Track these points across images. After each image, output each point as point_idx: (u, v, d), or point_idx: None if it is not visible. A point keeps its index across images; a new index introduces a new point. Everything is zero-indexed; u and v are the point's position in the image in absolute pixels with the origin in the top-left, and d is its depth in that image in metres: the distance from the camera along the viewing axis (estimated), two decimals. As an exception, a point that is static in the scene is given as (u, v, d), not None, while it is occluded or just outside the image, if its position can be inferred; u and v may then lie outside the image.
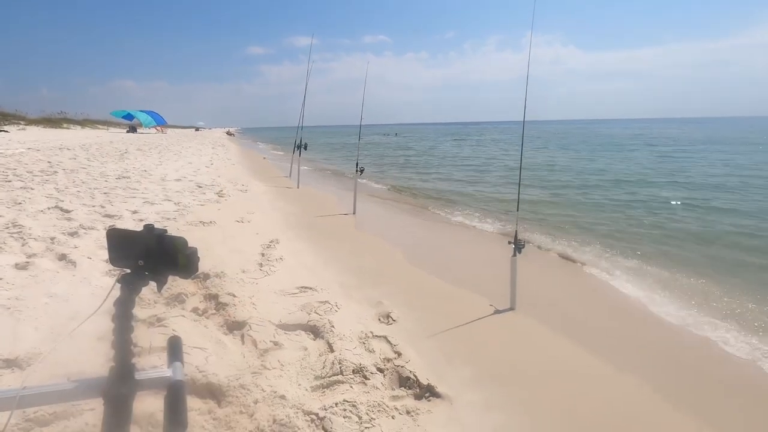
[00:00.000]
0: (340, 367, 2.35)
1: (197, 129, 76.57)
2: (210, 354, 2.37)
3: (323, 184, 12.17)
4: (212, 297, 3.17)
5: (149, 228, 0.76)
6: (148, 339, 2.33)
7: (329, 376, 2.29)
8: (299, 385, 2.22)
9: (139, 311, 2.79)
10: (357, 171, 7.92)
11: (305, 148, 11.32)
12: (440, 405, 2.21)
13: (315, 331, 2.82)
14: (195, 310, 2.99)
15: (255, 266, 4.01)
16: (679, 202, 8.89)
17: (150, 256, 0.76)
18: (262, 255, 4.38)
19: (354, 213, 7.65)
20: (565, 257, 5.36)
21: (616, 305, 3.98)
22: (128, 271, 0.77)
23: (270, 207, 7.63)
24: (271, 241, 4.88)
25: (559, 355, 2.93)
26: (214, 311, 2.99)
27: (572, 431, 2.16)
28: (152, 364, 2.12)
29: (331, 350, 2.56)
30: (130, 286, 0.77)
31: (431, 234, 6.53)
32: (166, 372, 0.84)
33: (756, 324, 3.53)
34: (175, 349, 0.92)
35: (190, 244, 0.77)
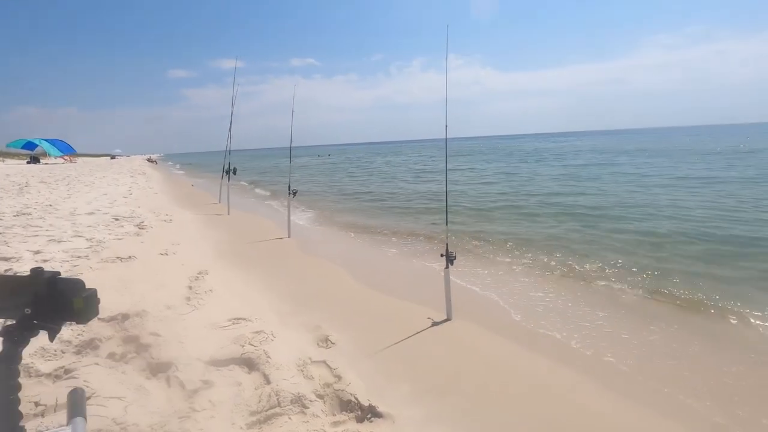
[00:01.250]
0: (278, 399, 2.25)
1: (113, 157, 70.97)
2: (129, 403, 2.16)
3: (255, 209, 11.78)
4: (132, 339, 2.91)
5: (37, 271, 0.70)
6: (53, 395, 2.07)
7: (266, 410, 2.19)
8: (233, 423, 2.09)
9: (42, 364, 2.48)
10: (290, 193, 7.79)
11: (234, 173, 10.93)
12: (382, 425, 2.20)
13: (249, 364, 2.68)
14: (111, 355, 2.72)
15: (182, 301, 3.76)
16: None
17: (39, 303, 0.69)
18: (190, 288, 4.12)
19: (289, 236, 7.48)
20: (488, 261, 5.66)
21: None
22: (12, 322, 0.69)
23: (198, 236, 7.22)
24: (200, 273, 4.61)
25: (497, 359, 3.06)
26: (134, 354, 2.74)
27: None
28: (59, 423, 1.88)
29: (268, 382, 2.45)
30: (14, 338, 0.69)
31: (368, 252, 6.57)
32: (65, 430, 0.76)
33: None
34: (76, 402, 0.83)
35: (88, 285, 0.71)
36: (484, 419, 2.33)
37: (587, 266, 5.35)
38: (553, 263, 5.55)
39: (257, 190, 17.05)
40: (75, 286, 0.70)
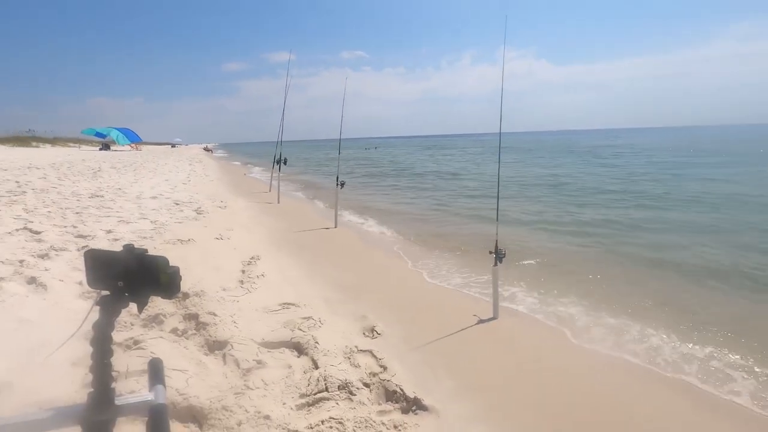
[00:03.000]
0: (326, 384, 2.32)
1: (174, 146, 75.33)
2: (191, 376, 2.30)
3: (304, 198, 12.11)
4: (192, 317, 3.09)
5: (129, 248, 0.75)
6: (125, 363, 2.25)
7: (314, 394, 2.26)
8: (284, 404, 2.18)
9: (115, 334, 2.69)
10: (338, 185, 7.92)
11: (285, 163, 11.27)
12: (427, 418, 2.20)
13: (299, 348, 2.77)
14: (174, 330, 2.91)
15: (236, 284, 3.94)
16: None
17: (130, 277, 0.74)
18: (243, 272, 4.31)
19: (336, 226, 7.63)
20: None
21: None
22: (107, 293, 0.76)
23: (250, 223, 7.54)
24: (252, 258, 4.81)
25: (546, 360, 2.97)
26: (194, 331, 2.92)
27: None
28: (130, 389, 2.04)
29: (316, 367, 2.53)
30: (109, 308, 0.75)
31: (413, 247, 6.56)
32: (148, 396, 0.81)
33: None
34: (156, 371, 0.89)
35: (171, 263, 0.76)
36: (528, 422, 2.27)
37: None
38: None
39: (306, 179, 17.51)
40: (161, 262, 0.74)
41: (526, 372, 2.81)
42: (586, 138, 72.86)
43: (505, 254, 3.74)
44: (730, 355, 3.05)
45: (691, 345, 3.21)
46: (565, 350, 3.18)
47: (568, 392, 2.58)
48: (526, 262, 5.32)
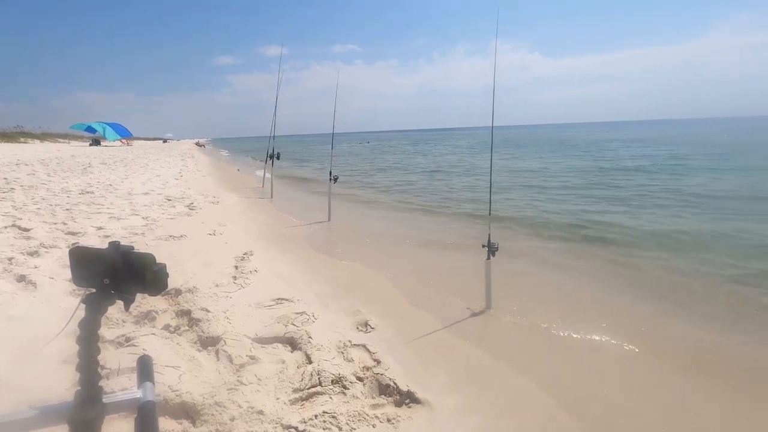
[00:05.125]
0: (319, 378, 2.32)
1: (165, 141, 74.60)
2: (183, 372, 2.30)
3: (297, 193, 12.07)
4: (184, 313, 3.08)
5: (115, 245, 0.74)
6: (116, 360, 2.24)
7: (308, 388, 2.26)
8: (277, 399, 2.18)
9: (106, 332, 2.68)
10: (331, 179, 7.90)
11: (278, 158, 11.21)
12: (420, 411, 2.22)
13: (292, 343, 2.78)
14: (166, 327, 2.90)
15: (228, 279, 3.93)
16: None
17: (116, 274, 0.73)
18: (236, 267, 4.30)
19: (329, 220, 7.62)
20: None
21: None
22: (93, 290, 0.75)
23: (243, 218, 7.50)
24: (245, 253, 4.79)
25: (536, 352, 3.00)
26: (186, 328, 2.90)
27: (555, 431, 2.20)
28: (122, 386, 2.04)
29: (309, 361, 2.53)
30: (95, 306, 0.74)
31: (408, 240, 6.57)
32: (136, 393, 0.81)
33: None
34: (145, 368, 0.89)
35: (158, 260, 0.75)
36: (520, 414, 2.29)
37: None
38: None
39: (299, 174, 17.43)
40: (147, 260, 0.74)
41: (520, 365, 2.83)
42: (579, 132, 73.07)
43: (498, 247, 3.75)
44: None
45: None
46: (557, 342, 3.21)
47: (562, 383, 2.61)
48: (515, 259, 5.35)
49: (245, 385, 2.24)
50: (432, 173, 16.88)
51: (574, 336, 3.25)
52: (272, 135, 11.67)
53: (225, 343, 2.66)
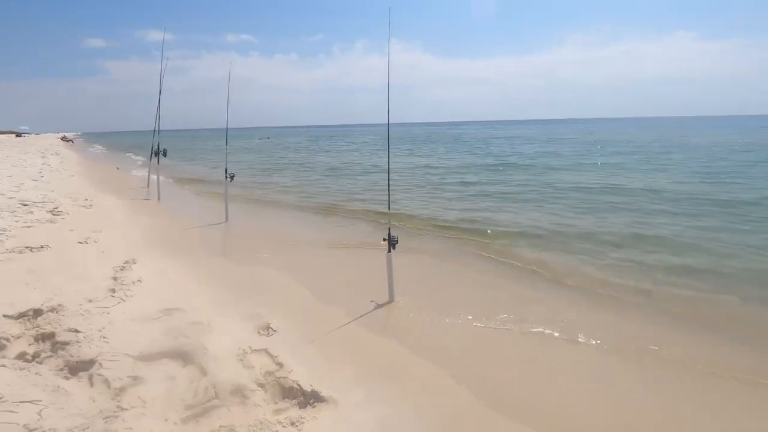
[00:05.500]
0: (215, 391, 2.17)
1: (20, 135, 63.09)
2: (45, 406, 1.96)
3: (189, 194, 11.11)
4: (46, 337, 2.64)
5: None
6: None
7: (203, 404, 2.10)
8: (166, 419, 1.98)
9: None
10: (227, 177, 7.42)
11: (164, 155, 10.18)
12: (325, 409, 2.20)
13: (184, 357, 2.55)
14: (21, 356, 2.45)
15: (105, 293, 3.46)
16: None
17: None
18: (115, 279, 3.81)
19: (226, 221, 7.16)
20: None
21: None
22: None
23: (124, 223, 6.67)
24: (126, 262, 4.27)
25: (438, 339, 3.16)
26: (49, 354, 2.49)
27: (453, 415, 2.32)
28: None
29: (205, 374, 2.35)
30: None
31: (310, 239, 6.46)
32: None
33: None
34: None
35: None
36: (424, 400, 2.41)
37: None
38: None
39: (191, 172, 16.05)
40: None
41: (423, 352, 2.96)
42: (470, 130, 78.84)
43: (397, 240, 3.88)
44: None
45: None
46: (459, 330, 3.43)
47: (466, 371, 2.78)
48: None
49: (126, 410, 2.00)
50: (333, 170, 16.77)
51: (476, 325, 3.47)
52: (156, 129, 10.54)
53: (101, 366, 2.34)
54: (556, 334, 3.26)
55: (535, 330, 3.32)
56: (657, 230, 6.38)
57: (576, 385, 2.62)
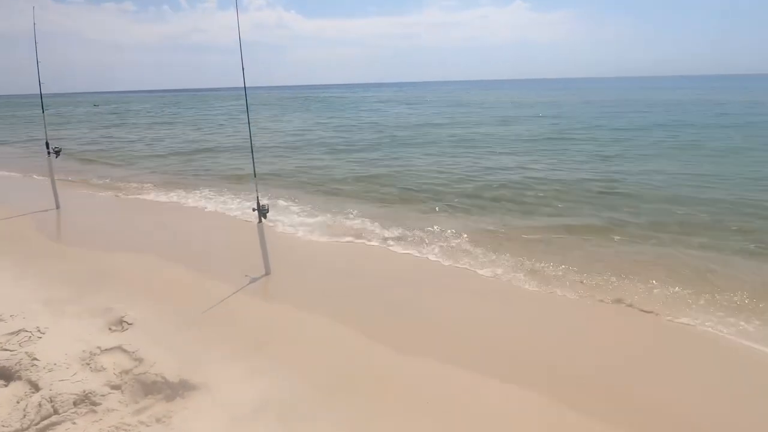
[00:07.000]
0: (53, 406, 1.83)
1: None
2: None
3: (4, 175, 8.91)
4: None
5: None
6: None
7: (36, 424, 1.76)
8: (-14, 454, 1.62)
9: None
10: (50, 152, 6.07)
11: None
12: (197, 396, 2.04)
13: (6, 374, 2.09)
14: None
15: None
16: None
17: None
18: None
19: (58, 208, 5.96)
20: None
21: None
22: None
23: None
24: None
25: (312, 311, 3.14)
26: None
27: (337, 379, 2.33)
28: None
29: (36, 389, 1.96)
30: None
31: (166, 219, 5.77)
32: None
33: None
34: None
35: None
36: (303, 366, 2.39)
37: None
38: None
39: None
40: None
41: (298, 318, 2.93)
42: (333, 92, 77.49)
43: (268, 209, 3.69)
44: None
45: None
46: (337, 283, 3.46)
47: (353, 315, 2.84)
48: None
49: None
50: (189, 144, 14.31)
51: (349, 281, 3.55)
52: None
53: None
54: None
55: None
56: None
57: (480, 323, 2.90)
